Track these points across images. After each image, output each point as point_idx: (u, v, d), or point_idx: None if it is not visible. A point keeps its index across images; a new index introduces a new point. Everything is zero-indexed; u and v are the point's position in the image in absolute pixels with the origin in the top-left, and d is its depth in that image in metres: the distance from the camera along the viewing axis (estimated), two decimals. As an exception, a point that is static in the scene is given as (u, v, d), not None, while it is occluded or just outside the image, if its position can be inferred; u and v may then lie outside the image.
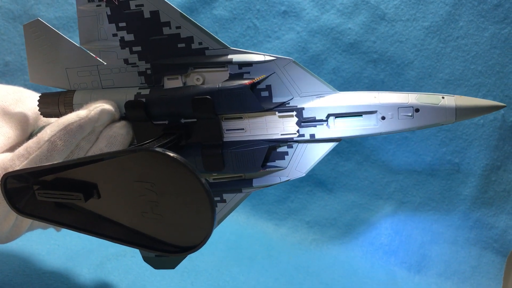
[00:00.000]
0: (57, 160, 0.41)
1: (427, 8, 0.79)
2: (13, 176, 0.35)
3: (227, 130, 0.44)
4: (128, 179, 0.32)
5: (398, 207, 0.88)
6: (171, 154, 0.29)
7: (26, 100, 0.48)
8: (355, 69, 0.82)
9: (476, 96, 0.80)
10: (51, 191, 0.35)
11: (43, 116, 0.47)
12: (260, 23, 0.83)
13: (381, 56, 0.81)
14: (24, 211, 0.37)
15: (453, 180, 0.85)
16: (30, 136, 0.48)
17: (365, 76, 0.82)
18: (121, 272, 0.71)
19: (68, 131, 0.40)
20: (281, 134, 0.43)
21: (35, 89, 0.52)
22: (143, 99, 0.43)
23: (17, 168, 0.40)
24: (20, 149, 0.41)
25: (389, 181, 0.87)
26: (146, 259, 0.51)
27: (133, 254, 0.73)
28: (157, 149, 0.30)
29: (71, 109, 0.45)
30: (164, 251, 0.34)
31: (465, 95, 0.79)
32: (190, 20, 0.42)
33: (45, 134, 0.40)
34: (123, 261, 0.72)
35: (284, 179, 0.45)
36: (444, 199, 0.86)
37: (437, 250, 0.86)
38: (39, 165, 0.39)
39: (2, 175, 0.38)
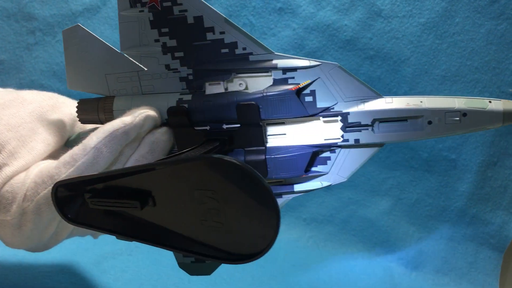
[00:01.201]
0: (102, 166, 0.40)
1: (423, 4, 0.78)
2: (63, 185, 0.35)
3: (269, 135, 0.44)
4: (187, 187, 0.32)
5: (395, 203, 0.88)
6: (237, 162, 0.29)
7: (62, 106, 0.47)
8: (351, 66, 0.82)
9: (472, 92, 0.80)
10: (104, 199, 0.34)
11: (81, 123, 0.47)
12: (256, 20, 0.82)
13: (378, 53, 0.81)
14: (75, 220, 0.36)
15: (449, 176, 0.85)
16: (67, 142, 0.48)
17: (362, 73, 0.82)
18: (118, 271, 0.71)
19: (113, 138, 0.40)
20: (325, 139, 0.43)
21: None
22: (186, 105, 0.43)
23: (63, 175, 0.39)
24: (66, 157, 0.40)
25: (385, 178, 0.87)
26: (181, 265, 0.51)
27: (129, 253, 0.73)
28: (222, 156, 0.29)
29: (111, 115, 0.45)
30: (223, 259, 0.33)
31: (461, 91, 0.79)
32: (235, 25, 0.42)
33: (91, 141, 0.40)
34: (119, 259, 0.72)
35: (325, 184, 0.44)
36: (440, 195, 0.86)
37: (434, 246, 0.86)
38: (88, 174, 0.39)
39: (52, 185, 0.38)
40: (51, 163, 0.42)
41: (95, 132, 0.41)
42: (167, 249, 0.35)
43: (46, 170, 0.41)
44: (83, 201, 0.35)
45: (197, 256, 0.34)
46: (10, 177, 0.41)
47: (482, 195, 0.85)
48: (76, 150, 0.40)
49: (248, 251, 0.32)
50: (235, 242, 0.32)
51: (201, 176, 0.31)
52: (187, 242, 0.34)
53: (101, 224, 0.36)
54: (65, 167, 0.40)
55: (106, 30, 0.84)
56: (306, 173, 0.44)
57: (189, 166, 0.31)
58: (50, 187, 0.39)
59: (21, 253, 0.69)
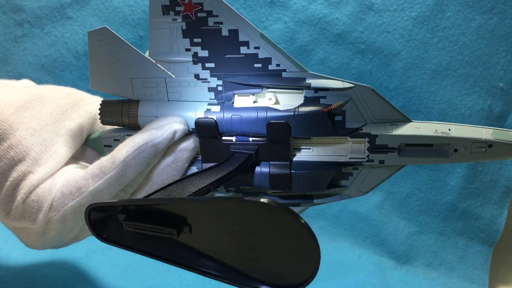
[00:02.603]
0: (129, 178, 0.41)
1: (414, -2, 0.78)
2: (96, 208, 0.35)
3: (293, 149, 0.44)
4: (227, 221, 0.32)
5: (386, 197, 0.88)
6: (285, 208, 0.29)
7: (81, 103, 0.47)
8: (343, 59, 0.82)
9: (463, 87, 0.80)
10: (140, 224, 0.34)
11: (103, 124, 0.46)
12: (247, 13, 0.82)
13: (369, 47, 0.81)
14: (110, 240, 0.36)
15: (440, 170, 0.85)
16: (87, 141, 0.48)
17: (353, 67, 0.82)
18: (107, 265, 0.70)
19: (142, 151, 0.40)
20: (350, 158, 0.43)
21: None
22: (214, 117, 0.43)
23: (92, 188, 0.40)
24: (94, 168, 0.41)
25: (377, 172, 0.87)
26: None
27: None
28: (271, 202, 0.29)
29: (135, 120, 0.45)
30: None
31: (452, 85, 0.79)
32: (270, 41, 0.41)
33: (121, 154, 0.40)
34: (108, 254, 0.72)
35: (344, 197, 0.45)
36: (431, 190, 0.86)
37: (425, 241, 0.87)
38: (115, 186, 0.40)
39: (79, 196, 0.39)
40: (77, 171, 0.42)
41: (124, 144, 0.41)
42: (201, 275, 0.35)
43: (73, 181, 0.41)
44: (117, 221, 0.35)
45: (232, 284, 0.34)
46: (36, 186, 0.40)
47: (473, 189, 0.85)
48: (104, 162, 0.40)
49: (282, 284, 0.33)
50: (270, 274, 0.33)
51: (243, 214, 0.31)
52: (221, 269, 0.35)
53: (137, 244, 0.36)
54: (94, 179, 0.40)
55: (95, 22, 0.83)
56: (328, 189, 0.44)
57: (231, 204, 0.32)
58: (78, 199, 0.40)
59: (8, 246, 0.68)
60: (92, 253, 0.71)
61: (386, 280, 0.80)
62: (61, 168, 0.43)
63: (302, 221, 0.29)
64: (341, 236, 0.88)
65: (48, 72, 0.87)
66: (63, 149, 0.43)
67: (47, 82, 0.72)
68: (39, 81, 0.86)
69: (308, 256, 0.30)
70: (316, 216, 0.90)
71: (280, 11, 0.81)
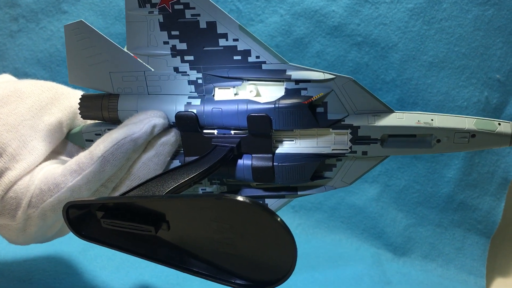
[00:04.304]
0: (108, 174, 0.40)
1: (411, -11, 0.78)
2: (74, 206, 0.35)
3: (276, 141, 0.44)
4: (204, 218, 0.32)
5: (383, 190, 0.88)
6: (261, 206, 0.29)
7: (61, 98, 0.46)
8: (339, 52, 0.82)
9: (459, 79, 0.80)
10: (118, 221, 0.34)
11: (83, 119, 0.46)
12: (243, 6, 0.82)
13: (365, 39, 0.80)
14: (89, 237, 0.36)
15: (437, 162, 0.85)
16: (68, 136, 0.47)
17: (350, 59, 0.82)
18: (104, 259, 0.71)
19: (120, 146, 0.40)
20: (332, 149, 0.43)
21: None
22: (194, 111, 0.42)
23: (70, 184, 0.39)
24: (72, 164, 0.40)
25: (374, 165, 0.87)
26: None
27: (116, 241, 0.73)
28: (245, 199, 0.29)
29: (115, 115, 0.44)
30: (237, 285, 0.34)
31: (448, 77, 0.79)
32: (249, 33, 0.41)
33: (98, 150, 0.40)
34: (106, 248, 0.72)
35: (329, 188, 0.45)
36: (428, 182, 0.86)
37: (422, 233, 0.87)
38: (94, 182, 0.40)
39: (58, 192, 0.39)
40: (56, 167, 0.41)
41: (102, 139, 0.40)
42: (181, 271, 0.35)
43: (51, 177, 0.40)
44: (95, 219, 0.35)
45: (211, 279, 0.35)
46: (14, 182, 0.40)
47: (470, 181, 0.85)
48: (82, 158, 0.40)
49: (260, 278, 0.33)
50: (249, 269, 0.33)
51: (219, 211, 0.31)
52: (201, 265, 0.35)
53: (116, 241, 0.36)
54: (72, 175, 0.40)
55: (91, 16, 0.83)
56: (311, 180, 0.44)
57: (208, 201, 0.32)
58: (56, 195, 0.40)
59: (5, 241, 0.68)
60: (89, 247, 0.71)
61: (384, 272, 0.81)
62: (40, 163, 0.42)
63: (278, 219, 0.29)
64: (339, 229, 0.88)
65: (44, 67, 0.86)
66: (42, 145, 0.43)
67: (43, 77, 0.72)
68: (35, 76, 0.86)
69: (286, 253, 0.31)
70: (313, 209, 0.90)
71: (276, 3, 0.81)
